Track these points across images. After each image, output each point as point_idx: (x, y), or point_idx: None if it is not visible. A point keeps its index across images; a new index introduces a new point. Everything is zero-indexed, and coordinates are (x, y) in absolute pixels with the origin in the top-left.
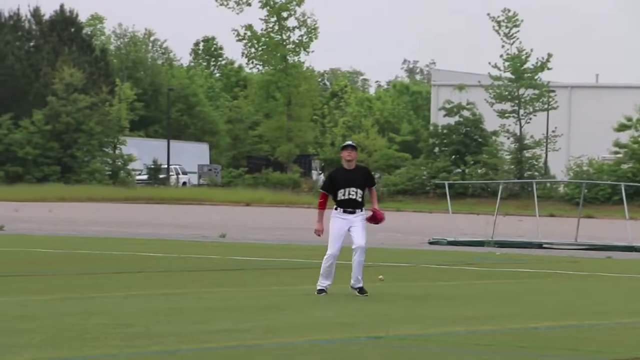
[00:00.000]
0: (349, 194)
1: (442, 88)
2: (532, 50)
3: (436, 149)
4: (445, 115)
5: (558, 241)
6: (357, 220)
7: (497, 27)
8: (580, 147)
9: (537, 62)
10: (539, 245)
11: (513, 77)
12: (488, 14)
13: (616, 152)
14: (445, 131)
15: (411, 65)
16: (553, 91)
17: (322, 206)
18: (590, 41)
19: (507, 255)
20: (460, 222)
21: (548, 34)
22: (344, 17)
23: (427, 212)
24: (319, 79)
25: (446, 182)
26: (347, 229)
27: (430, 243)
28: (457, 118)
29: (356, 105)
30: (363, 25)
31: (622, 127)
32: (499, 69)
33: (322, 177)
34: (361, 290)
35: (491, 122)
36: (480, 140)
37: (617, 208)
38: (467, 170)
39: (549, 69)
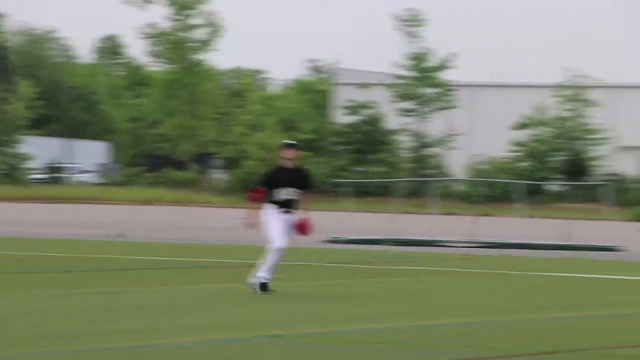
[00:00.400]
0: (289, 194)
1: (345, 87)
2: (435, 49)
3: (338, 148)
4: (347, 114)
5: (456, 239)
6: (289, 220)
7: (401, 26)
8: (481, 145)
9: (439, 62)
10: (437, 243)
11: (416, 75)
12: (392, 13)
13: (515, 151)
14: (347, 130)
15: (314, 64)
16: (455, 90)
17: (259, 201)
18: (493, 41)
19: (406, 253)
20: (360, 220)
21: (451, 33)
22: (247, 15)
23: (327, 211)
24: (222, 77)
25: (347, 181)
26: (283, 221)
27: (329, 241)
28: (359, 117)
29: (258, 104)
30: (266, 24)
31: (520, 126)
32: (402, 67)
33: (222, 176)
34: (264, 287)
35: (393, 121)
36: (381, 138)
37: (514, 205)
38: (368, 169)
39: (452, 67)
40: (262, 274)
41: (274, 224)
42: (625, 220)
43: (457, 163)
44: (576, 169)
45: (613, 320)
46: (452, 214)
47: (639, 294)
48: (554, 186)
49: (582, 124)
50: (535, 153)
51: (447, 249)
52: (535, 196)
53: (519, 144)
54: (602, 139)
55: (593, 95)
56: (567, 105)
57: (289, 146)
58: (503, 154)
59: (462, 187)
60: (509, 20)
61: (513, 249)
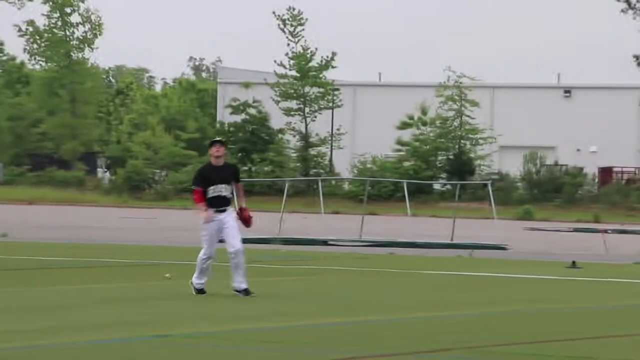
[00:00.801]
0: (219, 190)
1: (229, 86)
2: (316, 49)
3: None
4: (231, 113)
5: (343, 238)
6: (229, 220)
7: (282, 26)
8: (364, 145)
9: (321, 61)
10: (325, 242)
11: (298, 75)
12: (273, 12)
13: (398, 150)
14: (231, 129)
15: (197, 63)
16: (338, 89)
17: (201, 200)
18: (374, 41)
19: (293, 252)
20: None
21: (332, 33)
22: (128, 14)
23: None
24: (104, 76)
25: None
26: (219, 228)
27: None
28: (243, 116)
29: (142, 103)
30: (149, 22)
31: (404, 125)
32: (284, 67)
33: (107, 175)
34: (246, 292)
35: (277, 120)
36: (266, 138)
37: (399, 205)
38: (253, 168)
39: (333, 67)
40: (236, 282)
41: (205, 232)
42: (508, 219)
43: (342, 162)
44: (460, 168)
45: (503, 317)
46: (339, 213)
47: (525, 291)
48: (438, 185)
49: (464, 124)
50: (419, 152)
51: (335, 248)
52: (420, 195)
53: (403, 143)
54: (485, 139)
55: (475, 95)
56: (449, 105)
57: (216, 143)
58: (387, 153)
59: (347, 187)
60: (391, 20)
61: (400, 248)
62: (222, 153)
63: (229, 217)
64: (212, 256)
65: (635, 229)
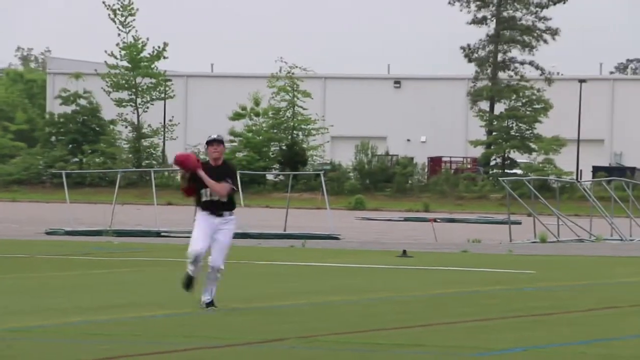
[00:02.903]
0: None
1: (58, 76)
2: (148, 39)
3: (53, 138)
4: (61, 104)
5: (176, 229)
6: (223, 233)
7: (112, 16)
8: (197, 135)
9: (153, 51)
10: (158, 234)
11: (130, 65)
12: (104, 2)
13: (231, 141)
14: (62, 120)
15: (25, 53)
16: (170, 80)
17: (193, 193)
18: (206, 31)
19: (126, 244)
20: (78, 211)
21: (164, 24)
22: None
23: (43, 202)
24: None
25: (63, 172)
26: (212, 232)
27: (47, 233)
28: (73, 107)
29: None
30: None
31: (236, 116)
32: (115, 57)
33: None
34: (209, 304)
35: (109, 111)
36: (98, 129)
37: None
38: (85, 160)
39: (165, 57)
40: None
41: (197, 227)
42: (340, 209)
43: (174, 153)
44: (292, 158)
45: (335, 307)
46: (172, 204)
47: (356, 280)
48: (271, 176)
49: (297, 114)
50: (252, 143)
51: (168, 240)
52: (253, 186)
53: (235, 134)
54: (317, 129)
55: (307, 85)
56: (281, 96)
57: (214, 142)
58: None
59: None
60: (223, 10)
61: (233, 239)
62: (221, 153)
63: (225, 230)
64: (196, 253)
65: (464, 217)
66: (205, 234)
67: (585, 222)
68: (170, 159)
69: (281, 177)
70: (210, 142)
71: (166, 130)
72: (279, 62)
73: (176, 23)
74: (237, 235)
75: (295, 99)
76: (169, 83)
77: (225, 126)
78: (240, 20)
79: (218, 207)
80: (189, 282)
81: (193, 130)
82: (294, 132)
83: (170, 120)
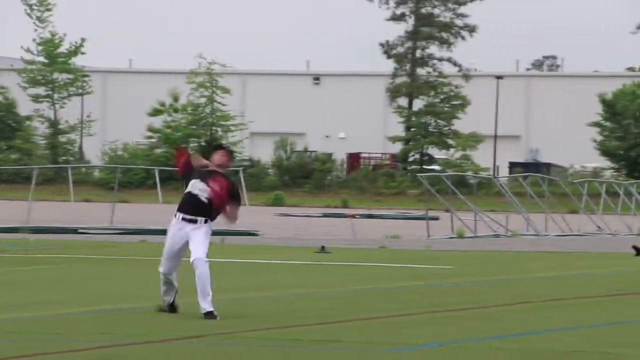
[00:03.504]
0: (199, 190)
1: None
2: (65, 34)
3: None
4: None
5: (94, 226)
6: (196, 231)
7: (29, 11)
8: (115, 132)
9: (70, 47)
10: (75, 231)
11: (47, 61)
12: None
13: (150, 137)
14: None
15: None
16: (87, 76)
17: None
18: (124, 27)
19: (42, 241)
20: None
21: (81, 19)
22: None
23: None
24: None
25: None
26: (183, 244)
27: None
28: None
29: None
30: None
31: (155, 112)
32: (32, 53)
33: None
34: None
35: (25, 107)
36: (13, 125)
37: (151, 192)
38: (0, 156)
39: (82, 53)
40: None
41: (165, 245)
42: (259, 205)
43: (92, 150)
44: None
45: (254, 303)
46: (89, 201)
47: (275, 277)
48: None
49: (216, 110)
50: (171, 139)
51: (85, 236)
52: (172, 182)
53: (154, 130)
54: (237, 125)
55: (226, 81)
56: (201, 92)
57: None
58: (139, 140)
59: (98, 174)
60: (141, 6)
61: (151, 235)
62: (226, 164)
63: (198, 231)
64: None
65: (382, 213)
66: (173, 253)
67: (501, 218)
68: (88, 155)
69: None
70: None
71: (83, 126)
72: (198, 58)
73: (94, 19)
74: (155, 232)
75: (215, 95)
76: (86, 79)
77: (144, 122)
78: (159, 16)
79: (197, 211)
80: (171, 309)
81: (111, 126)
82: (213, 128)
83: (88, 116)
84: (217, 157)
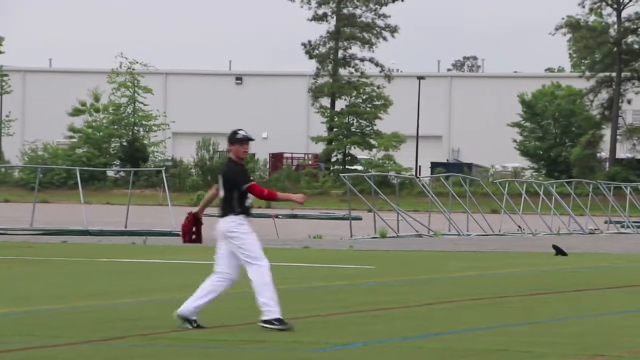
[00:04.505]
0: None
1: None
2: None
3: None
4: None
5: (13, 226)
6: None
7: None
8: (35, 131)
9: None
10: None
11: None
12: None
13: (71, 137)
14: None
15: None
16: (6, 75)
17: (273, 192)
18: (43, 25)
19: None
20: None
21: None
22: None
23: None
24: None
25: None
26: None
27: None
28: None
29: None
30: None
31: (76, 112)
32: None
33: None
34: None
35: None
36: None
37: (72, 192)
38: None
39: (1, 52)
40: (270, 307)
41: (253, 238)
42: (182, 205)
43: (11, 150)
44: (134, 155)
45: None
46: (9, 201)
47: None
48: (112, 172)
49: (138, 110)
50: (92, 139)
51: (5, 237)
52: (93, 182)
53: (75, 130)
54: (158, 125)
55: (148, 81)
56: (122, 92)
57: (248, 141)
58: (60, 140)
59: (18, 174)
60: (62, 4)
61: (73, 236)
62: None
63: None
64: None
65: (305, 213)
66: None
67: (424, 218)
68: (8, 155)
69: (122, 173)
70: (242, 141)
71: (3, 125)
72: (119, 58)
73: (13, 17)
74: (77, 233)
75: (136, 94)
76: (5, 78)
77: (65, 122)
78: (79, 15)
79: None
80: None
81: (31, 126)
82: (135, 128)
83: (7, 116)
84: (241, 152)
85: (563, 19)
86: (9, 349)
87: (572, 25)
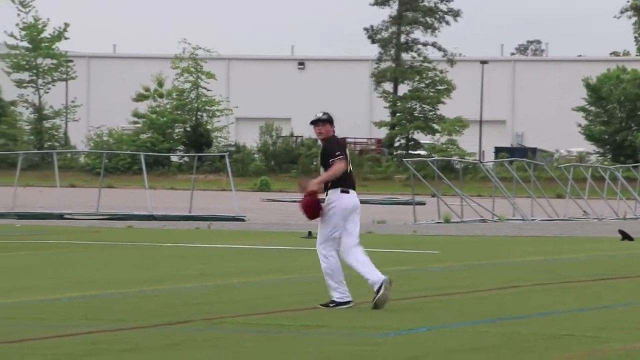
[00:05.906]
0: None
1: None
2: (48, 19)
3: None
4: None
5: (79, 211)
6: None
7: None
8: (100, 117)
9: (54, 32)
10: (61, 216)
11: (30, 46)
12: None
13: (135, 122)
14: None
15: None
16: (71, 61)
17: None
18: (107, 11)
19: (28, 226)
20: None
21: (65, 4)
22: None
23: None
24: None
25: None
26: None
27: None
28: None
29: None
30: None
31: (140, 97)
32: (15, 38)
33: None
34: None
35: (9, 92)
36: None
37: (137, 177)
38: None
39: (66, 38)
40: (375, 275)
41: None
42: (245, 191)
43: (77, 135)
44: (197, 140)
45: (241, 289)
46: (75, 186)
47: (262, 262)
48: (176, 158)
49: (201, 96)
50: (156, 125)
51: (72, 222)
52: (158, 168)
53: (139, 115)
54: (222, 110)
55: (210, 67)
56: (185, 77)
57: (316, 122)
58: (124, 125)
59: (83, 160)
60: None
61: (138, 221)
62: (325, 133)
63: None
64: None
65: (368, 198)
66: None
67: (488, 203)
68: (73, 140)
69: (186, 158)
70: (310, 124)
71: (68, 111)
72: (182, 43)
73: (77, 3)
74: (141, 218)
75: (199, 80)
76: (70, 64)
77: (129, 107)
78: (143, 1)
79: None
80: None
81: (96, 111)
82: (198, 113)
83: (73, 102)
84: (315, 133)
85: (628, 1)
86: (76, 332)
87: (638, 8)
